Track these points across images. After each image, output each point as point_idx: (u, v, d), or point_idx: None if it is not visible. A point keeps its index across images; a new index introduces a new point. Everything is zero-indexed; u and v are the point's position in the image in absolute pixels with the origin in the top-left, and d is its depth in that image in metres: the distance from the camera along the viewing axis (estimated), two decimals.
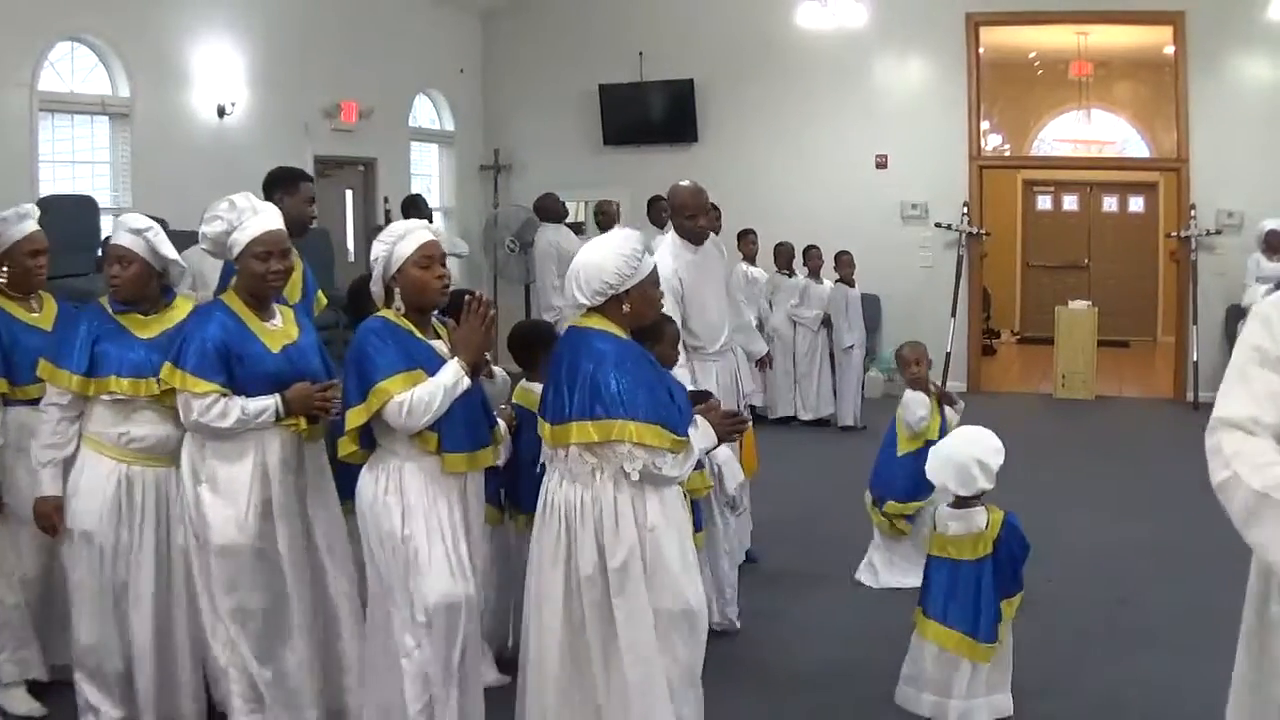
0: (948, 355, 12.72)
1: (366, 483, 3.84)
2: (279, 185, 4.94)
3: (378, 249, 3.85)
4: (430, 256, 3.82)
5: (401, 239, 3.83)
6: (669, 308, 5.79)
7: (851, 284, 11.20)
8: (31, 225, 4.54)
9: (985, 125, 13.54)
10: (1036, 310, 17.26)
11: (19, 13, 8.56)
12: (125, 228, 4.25)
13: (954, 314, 12.88)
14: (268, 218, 4.06)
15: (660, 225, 10.40)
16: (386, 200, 12.27)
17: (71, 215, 8.49)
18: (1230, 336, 11.83)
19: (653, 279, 3.89)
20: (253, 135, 10.76)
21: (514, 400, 5.04)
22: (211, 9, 10.41)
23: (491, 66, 14.50)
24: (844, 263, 11.20)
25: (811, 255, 11.22)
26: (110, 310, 4.26)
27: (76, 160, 9.52)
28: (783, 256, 11.32)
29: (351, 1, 12.03)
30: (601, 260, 3.79)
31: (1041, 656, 5.33)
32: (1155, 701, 4.88)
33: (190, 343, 3.94)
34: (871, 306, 12.41)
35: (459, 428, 3.82)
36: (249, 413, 3.95)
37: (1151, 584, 6.31)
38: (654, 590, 3.70)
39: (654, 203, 10.66)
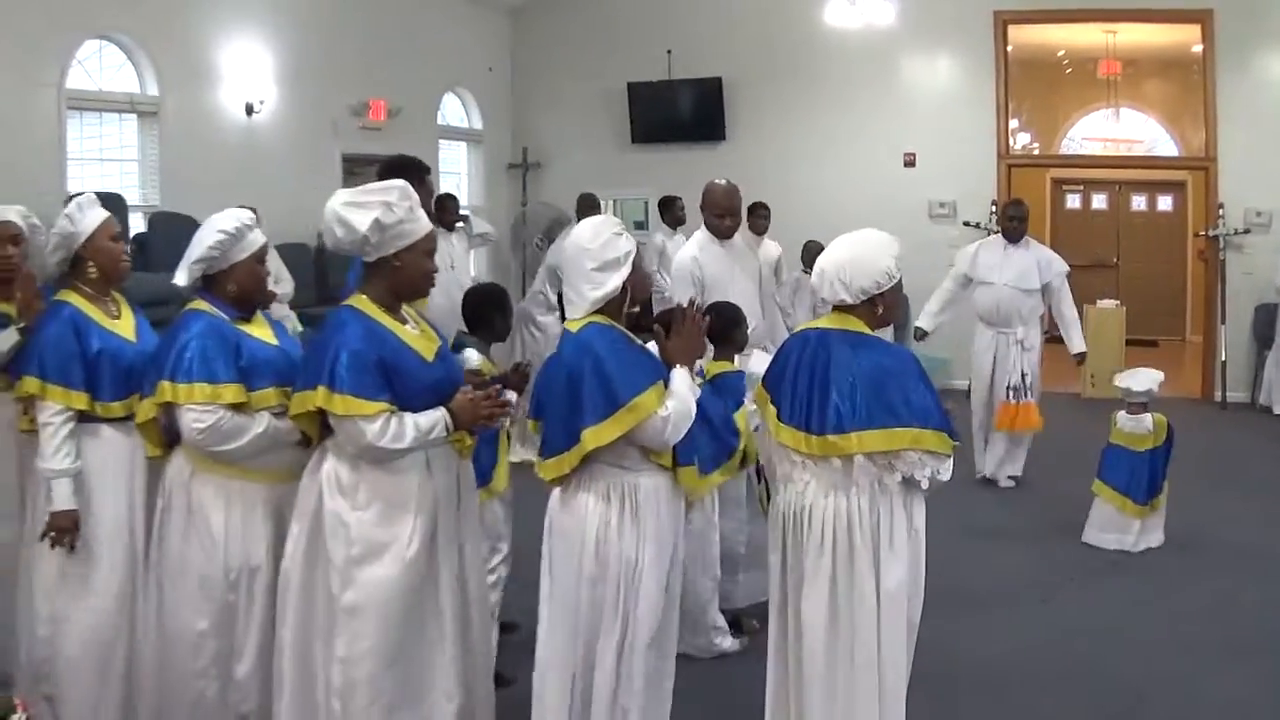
0: None
1: (589, 502, 3.60)
2: (403, 176, 3.86)
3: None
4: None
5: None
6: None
7: None
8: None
9: (1014, 123, 13.47)
10: None
11: (47, 11, 8.63)
12: None
13: None
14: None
15: (674, 226, 10.38)
16: None
17: None
18: (1259, 336, 11.77)
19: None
20: (281, 133, 10.83)
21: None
22: (240, 7, 10.46)
23: (520, 65, 14.53)
24: None
25: None
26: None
27: (105, 158, 9.58)
28: (809, 255, 11.26)
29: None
30: (873, 258, 3.73)
31: (1061, 653, 5.34)
32: (1177, 702, 4.87)
33: (339, 359, 3.38)
34: None
35: (686, 439, 3.65)
36: (421, 429, 3.44)
37: (1176, 583, 6.29)
38: (912, 599, 3.67)
39: (668, 203, 10.61)
